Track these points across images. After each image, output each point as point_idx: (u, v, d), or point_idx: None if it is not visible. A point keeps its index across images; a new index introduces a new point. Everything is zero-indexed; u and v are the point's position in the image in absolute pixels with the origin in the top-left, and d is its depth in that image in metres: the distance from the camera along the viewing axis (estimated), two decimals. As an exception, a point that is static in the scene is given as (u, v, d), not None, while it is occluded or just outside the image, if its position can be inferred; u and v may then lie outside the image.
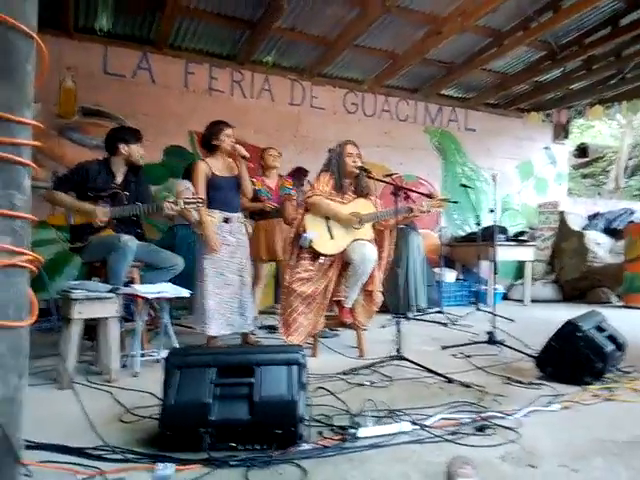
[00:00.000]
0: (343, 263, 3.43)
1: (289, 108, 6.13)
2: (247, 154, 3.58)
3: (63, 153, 4.94)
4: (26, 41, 1.41)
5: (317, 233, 3.38)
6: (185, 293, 3.08)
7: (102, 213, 3.25)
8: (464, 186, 5.80)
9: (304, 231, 3.37)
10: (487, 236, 5.54)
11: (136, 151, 3.44)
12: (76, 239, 3.29)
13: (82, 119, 5.12)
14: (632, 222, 6.96)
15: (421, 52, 5.59)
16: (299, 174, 5.66)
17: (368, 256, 3.32)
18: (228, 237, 3.49)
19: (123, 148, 3.39)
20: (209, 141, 3.54)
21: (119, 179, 3.43)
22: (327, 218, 3.44)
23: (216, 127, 3.53)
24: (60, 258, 4.69)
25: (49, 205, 3.52)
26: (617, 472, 1.60)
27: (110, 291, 2.72)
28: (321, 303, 3.36)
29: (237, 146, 3.55)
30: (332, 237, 3.40)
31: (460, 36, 5.32)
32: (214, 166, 3.51)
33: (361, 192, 3.58)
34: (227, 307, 3.42)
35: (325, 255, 3.37)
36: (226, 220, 3.50)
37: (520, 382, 2.65)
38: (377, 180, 3.66)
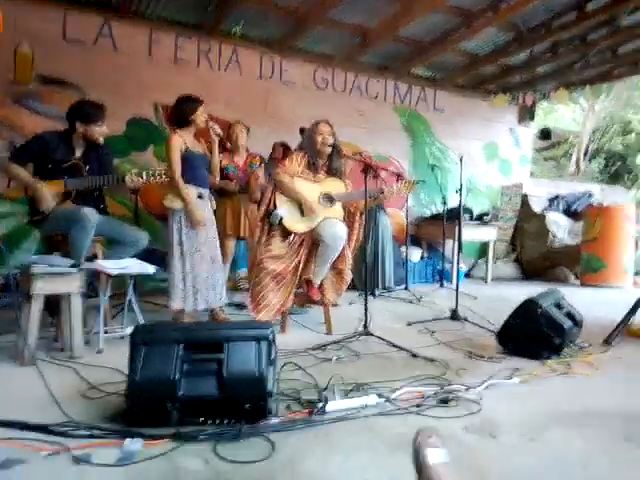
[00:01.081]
0: (313, 241, 3.43)
1: (258, 82, 6.00)
2: (221, 131, 3.63)
3: (20, 122, 4.70)
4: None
5: (287, 210, 3.36)
6: (151, 269, 3.02)
7: (51, 200, 3.12)
8: (433, 166, 5.86)
9: (274, 207, 3.34)
10: (453, 216, 5.64)
11: (95, 131, 3.26)
12: (35, 212, 3.17)
13: (40, 87, 4.87)
14: (591, 205, 7.20)
15: (392, 29, 5.54)
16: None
17: (339, 234, 3.35)
18: (201, 213, 3.46)
19: (80, 127, 3.24)
20: (185, 116, 3.48)
21: (78, 152, 3.30)
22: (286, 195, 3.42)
23: (192, 103, 3.50)
24: (17, 232, 4.51)
25: (4, 177, 3.35)
26: (572, 441, 1.68)
27: (72, 266, 2.64)
28: (291, 281, 3.38)
29: (211, 123, 3.56)
30: (303, 215, 3.38)
31: (431, 15, 5.28)
32: (187, 140, 3.48)
33: (334, 173, 3.58)
34: (202, 283, 3.44)
35: (295, 233, 3.37)
36: (200, 196, 3.49)
37: (482, 357, 2.75)
38: (348, 157, 3.65)
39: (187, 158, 3.43)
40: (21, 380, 2.26)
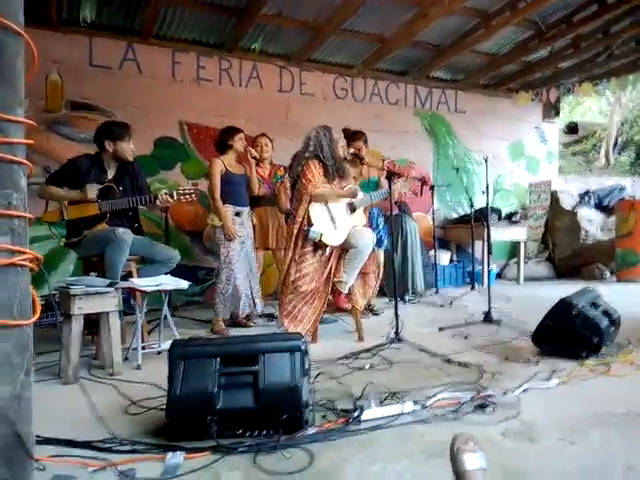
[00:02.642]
0: (342, 248, 3.44)
1: (278, 95, 6.09)
2: (257, 155, 4.18)
3: (52, 148, 4.89)
4: (15, 39, 1.40)
5: (322, 225, 3.37)
6: (184, 285, 3.09)
7: (91, 190, 3.24)
8: (456, 168, 5.84)
9: (310, 224, 3.37)
10: (480, 217, 5.58)
11: (123, 148, 3.37)
12: (71, 234, 3.29)
13: (70, 113, 5.06)
14: (623, 199, 7.03)
15: (409, 35, 5.56)
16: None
17: (369, 241, 3.44)
18: (239, 229, 3.94)
19: (109, 145, 3.35)
20: (224, 141, 4.02)
21: (111, 174, 3.41)
22: (328, 207, 3.43)
23: (232, 131, 4.06)
24: (55, 254, 4.67)
25: (42, 202, 3.48)
26: (614, 443, 1.65)
27: (109, 285, 2.73)
28: (324, 292, 3.41)
29: (249, 148, 4.12)
30: (336, 227, 3.41)
31: (447, 18, 5.28)
32: (227, 164, 3.98)
33: (342, 176, 3.59)
34: (242, 292, 3.88)
35: (332, 246, 3.39)
36: (237, 214, 3.97)
37: (518, 360, 2.70)
38: (371, 166, 3.69)
39: (226, 180, 3.94)
40: (65, 398, 2.33)
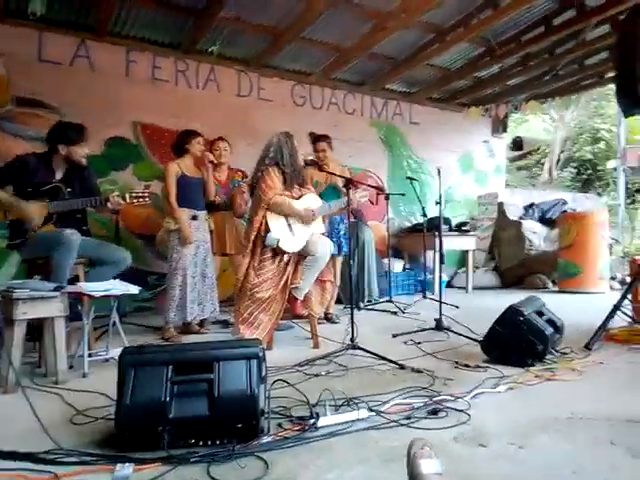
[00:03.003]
0: (299, 255, 3.44)
1: (237, 99, 6.04)
2: (214, 159, 4.20)
3: (-5, 145, 4.65)
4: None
5: (279, 231, 3.35)
6: (134, 290, 3.00)
7: (38, 217, 3.10)
8: (410, 179, 5.95)
9: (267, 231, 3.34)
10: (432, 227, 5.72)
11: (77, 152, 3.26)
12: (15, 235, 3.12)
13: (16, 109, 4.82)
14: (565, 212, 7.39)
15: (367, 46, 5.67)
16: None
17: (329, 249, 3.46)
18: (195, 233, 3.90)
19: (62, 149, 3.23)
20: (182, 145, 4.00)
21: (59, 175, 3.28)
22: (286, 215, 3.43)
23: (190, 134, 4.03)
24: (-5, 256, 4.43)
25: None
26: (560, 446, 1.72)
27: (55, 289, 2.61)
28: (281, 299, 3.38)
29: (206, 153, 4.12)
30: (293, 234, 3.40)
31: (404, 32, 5.42)
32: (184, 167, 3.95)
33: (301, 182, 3.61)
34: (189, 297, 3.82)
35: (289, 253, 3.37)
36: (194, 217, 3.94)
37: (467, 366, 2.78)
38: (330, 174, 3.72)
39: (182, 183, 3.90)
40: (6, 407, 2.21)
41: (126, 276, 3.26)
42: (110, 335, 3.11)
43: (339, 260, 4.52)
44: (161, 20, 5.10)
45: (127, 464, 1.58)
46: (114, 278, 3.17)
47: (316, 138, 4.44)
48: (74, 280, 3.15)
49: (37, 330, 2.75)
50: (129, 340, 3.11)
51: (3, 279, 4.15)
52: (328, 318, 4.41)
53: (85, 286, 2.89)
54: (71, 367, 2.79)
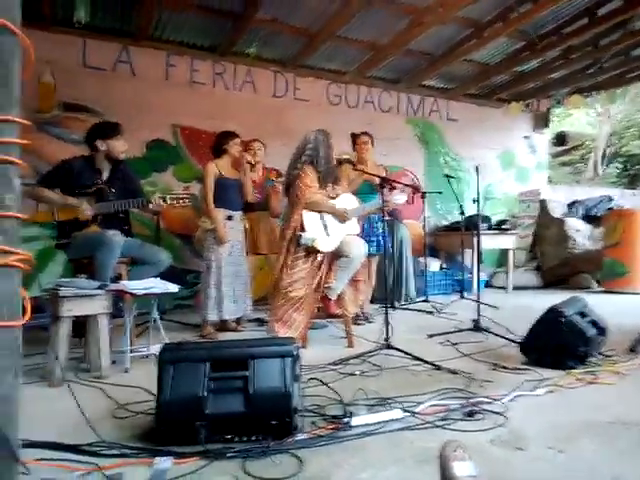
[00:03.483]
0: (334, 255, 3.45)
1: (272, 100, 6.11)
2: (252, 160, 4.27)
3: (43, 149, 4.84)
4: (11, 38, 1.40)
5: (315, 231, 3.38)
6: (174, 289, 3.07)
7: (87, 207, 3.23)
8: (447, 176, 5.85)
9: (303, 230, 3.37)
10: (470, 225, 5.62)
11: (115, 146, 3.37)
12: (62, 235, 3.26)
13: (62, 114, 5.03)
14: (610, 209, 7.12)
15: (403, 43, 5.61)
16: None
17: (364, 250, 3.46)
18: (230, 232, 3.94)
19: (101, 145, 3.34)
20: (220, 145, 4.05)
21: (105, 175, 3.40)
22: (321, 214, 3.45)
23: (228, 135, 4.09)
24: (43, 255, 4.63)
25: (33, 202, 3.45)
26: (601, 452, 1.67)
27: (99, 287, 2.71)
28: (314, 298, 3.41)
29: (244, 153, 4.20)
30: (328, 234, 3.42)
31: (441, 27, 5.34)
32: (222, 168, 4.00)
33: (335, 181, 3.64)
34: (225, 296, 3.87)
35: (324, 253, 3.39)
36: (229, 217, 3.99)
37: (506, 368, 2.72)
38: (365, 173, 3.70)
39: (220, 184, 3.94)
40: (52, 401, 2.31)
41: (165, 275, 3.35)
42: (151, 332, 3.20)
43: (375, 259, 4.50)
44: (199, 24, 5.20)
45: (166, 457, 1.63)
46: (154, 277, 3.26)
47: (356, 135, 4.47)
48: (117, 279, 3.27)
49: (82, 326, 2.86)
50: (169, 337, 3.19)
51: (50, 277, 4.34)
52: (365, 317, 4.38)
53: (127, 284, 2.99)
54: (114, 362, 2.89)
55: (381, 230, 4.43)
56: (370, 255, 4.21)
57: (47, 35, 4.92)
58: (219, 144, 4.07)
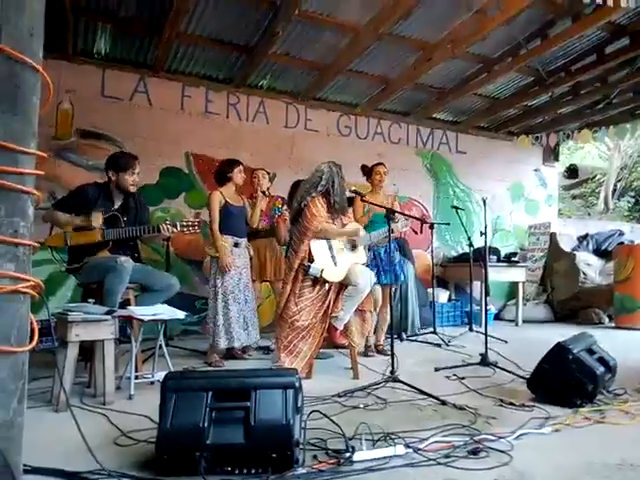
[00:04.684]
0: (340, 285, 3.46)
1: (284, 131, 6.22)
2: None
3: (59, 174, 4.97)
4: (32, 74, 1.46)
5: (322, 261, 3.40)
6: (181, 315, 3.09)
7: (96, 218, 3.29)
8: (455, 208, 5.86)
9: (311, 261, 3.39)
10: (479, 257, 5.60)
11: (126, 179, 3.41)
12: (73, 260, 3.31)
13: (79, 140, 5.17)
14: (622, 243, 7.07)
15: (412, 77, 5.73)
16: None
17: (371, 280, 3.47)
18: (237, 260, 3.94)
19: (112, 175, 3.42)
20: (224, 173, 4.06)
21: (117, 203, 3.46)
22: (329, 244, 3.48)
23: (231, 163, 4.10)
24: (54, 279, 4.69)
25: (45, 226, 3.51)
26: (607, 495, 1.63)
27: (107, 313, 2.73)
28: (320, 327, 3.40)
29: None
30: (335, 264, 3.44)
31: (450, 62, 5.45)
32: (227, 195, 4.00)
33: (344, 212, 3.68)
34: (235, 323, 3.84)
35: (332, 282, 3.41)
36: (236, 244, 4.00)
37: (512, 404, 2.68)
38: (372, 204, 3.74)
39: (225, 212, 3.93)
40: (56, 426, 2.31)
41: (173, 301, 3.37)
42: (156, 358, 3.21)
43: (393, 288, 4.46)
44: (214, 57, 5.37)
45: (165, 488, 1.62)
46: (162, 303, 3.28)
47: (372, 166, 4.50)
48: (125, 304, 3.29)
49: (88, 351, 2.88)
50: (174, 363, 3.19)
51: (59, 301, 4.38)
52: (379, 350, 4.34)
53: (135, 310, 3.01)
54: (118, 388, 2.90)
55: (398, 259, 4.40)
56: (385, 285, 4.19)
57: (68, 65, 5.11)
58: (223, 172, 4.08)
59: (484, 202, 4.14)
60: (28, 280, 1.43)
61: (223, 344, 3.83)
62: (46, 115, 4.86)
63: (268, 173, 4.59)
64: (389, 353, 4.19)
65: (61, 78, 4.96)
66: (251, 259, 4.23)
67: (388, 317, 4.33)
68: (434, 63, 5.32)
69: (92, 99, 5.24)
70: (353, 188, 3.64)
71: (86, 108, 5.17)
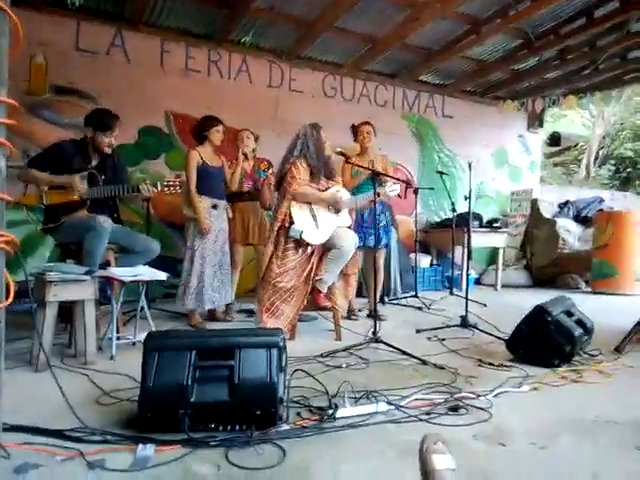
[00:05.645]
0: (324, 248, 3.45)
1: (267, 90, 6.07)
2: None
3: (34, 131, 4.78)
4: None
5: (303, 223, 3.37)
6: (162, 276, 3.06)
7: (79, 182, 3.18)
8: (440, 173, 5.84)
9: (291, 222, 3.36)
10: (461, 222, 5.64)
11: (102, 140, 3.30)
12: (49, 220, 3.22)
13: (54, 97, 4.97)
14: (601, 210, 7.16)
15: (400, 37, 5.59)
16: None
17: (354, 243, 3.45)
18: (214, 222, 3.88)
19: (89, 132, 3.30)
20: (201, 132, 3.93)
21: (95, 161, 3.36)
22: (310, 206, 3.44)
23: (209, 120, 3.96)
24: (31, 239, 4.57)
25: (20, 185, 3.40)
26: (583, 449, 1.68)
27: (86, 273, 2.68)
28: (303, 289, 3.40)
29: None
30: (317, 226, 3.41)
31: (439, 22, 5.34)
32: (204, 155, 3.90)
33: (329, 174, 3.62)
34: (208, 285, 3.81)
35: (313, 245, 3.38)
36: (214, 206, 3.91)
37: (491, 364, 2.74)
38: (358, 166, 3.69)
39: (203, 172, 3.83)
40: (36, 386, 2.29)
41: (155, 263, 3.32)
42: (138, 320, 3.19)
43: (382, 253, 4.40)
44: (195, 11, 5.15)
45: (148, 445, 1.62)
46: (143, 265, 3.24)
47: (358, 125, 4.42)
48: (105, 265, 3.24)
49: (68, 312, 2.83)
50: (156, 325, 3.18)
51: (37, 262, 4.30)
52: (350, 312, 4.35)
53: (115, 271, 2.97)
54: (100, 349, 2.88)
55: (384, 223, 4.37)
56: (374, 248, 4.14)
57: (40, 16, 4.85)
58: (200, 130, 3.96)
59: (469, 166, 4.13)
60: (2, 235, 1.38)
61: (192, 305, 3.78)
62: (17, 67, 4.65)
63: (253, 134, 4.48)
64: (384, 318, 4.19)
65: (33, 31, 4.71)
66: (230, 221, 4.16)
67: (379, 281, 4.34)
68: (422, 22, 5.20)
69: (66, 53, 5.01)
70: (339, 149, 3.57)
71: (60, 62, 4.95)
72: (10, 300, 1.38)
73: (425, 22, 5.19)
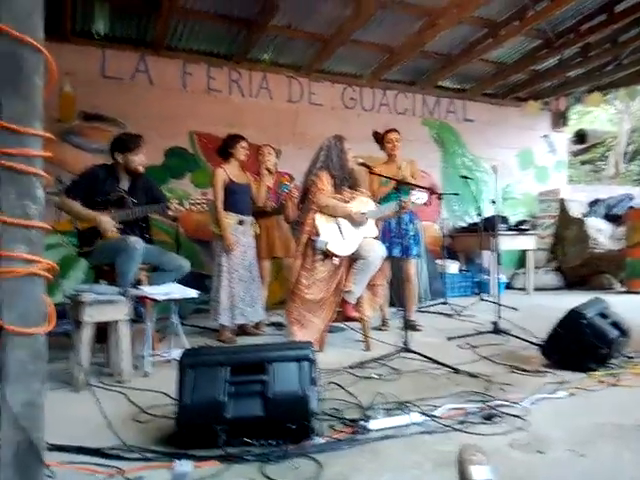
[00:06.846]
0: (351, 258, 3.46)
1: (287, 105, 6.14)
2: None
3: (64, 158, 4.94)
4: (34, 54, 1.44)
5: (329, 235, 3.39)
6: (193, 294, 3.11)
7: (106, 223, 3.26)
8: (464, 177, 5.80)
9: (317, 234, 3.39)
10: (489, 226, 5.57)
11: (133, 160, 3.40)
12: (84, 243, 3.32)
13: (82, 123, 5.14)
14: (632, 208, 6.97)
15: (417, 45, 5.60)
16: None
17: (381, 253, 3.44)
18: (242, 238, 3.94)
19: (118, 157, 3.41)
20: (226, 149, 4.03)
21: (125, 184, 3.46)
22: (336, 218, 3.46)
23: (234, 138, 4.06)
24: (66, 261, 4.73)
25: (53, 211, 3.52)
26: (622, 455, 1.64)
27: (119, 293, 2.76)
28: (333, 302, 3.41)
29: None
30: (343, 237, 3.43)
31: (456, 27, 5.32)
32: (231, 173, 3.98)
33: (354, 184, 3.64)
34: (239, 300, 3.87)
35: (340, 256, 3.40)
36: (241, 222, 3.98)
37: (526, 370, 2.70)
38: (381, 176, 3.70)
39: (230, 189, 3.94)
40: (75, 405, 2.36)
41: (185, 280, 3.39)
42: (171, 337, 3.25)
43: (412, 262, 4.22)
44: (214, 32, 5.27)
45: (186, 461, 1.65)
46: (174, 282, 3.30)
47: (385, 132, 4.36)
48: (137, 284, 3.32)
49: (104, 332, 2.91)
50: (189, 341, 3.23)
51: (72, 284, 4.42)
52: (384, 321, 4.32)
53: (148, 290, 3.04)
54: (136, 367, 2.94)
55: (412, 233, 4.23)
56: (402, 258, 4.03)
57: (67, 46, 5.03)
58: (225, 148, 4.06)
59: (494, 169, 4.09)
60: (41, 262, 1.44)
61: (226, 321, 3.84)
62: (49, 99, 4.82)
63: (274, 149, 4.54)
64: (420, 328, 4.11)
65: (60, 61, 4.82)
66: (257, 237, 4.21)
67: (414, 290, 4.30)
68: (439, 29, 5.19)
69: (93, 80, 5.18)
70: (360, 160, 3.59)
71: (87, 90, 5.12)
72: (52, 325, 1.44)
73: (442, 28, 5.18)
